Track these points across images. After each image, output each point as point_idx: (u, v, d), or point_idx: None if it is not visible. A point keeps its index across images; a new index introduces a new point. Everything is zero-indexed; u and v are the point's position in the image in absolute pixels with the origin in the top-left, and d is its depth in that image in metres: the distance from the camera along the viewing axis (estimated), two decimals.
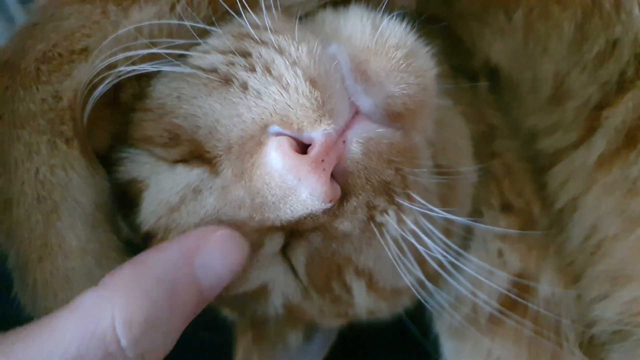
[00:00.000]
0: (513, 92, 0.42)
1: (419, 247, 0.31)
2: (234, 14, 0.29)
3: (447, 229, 0.36)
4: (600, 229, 0.37)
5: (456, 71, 0.43)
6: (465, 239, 0.39)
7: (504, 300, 0.39)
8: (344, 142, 0.27)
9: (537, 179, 0.42)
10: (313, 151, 0.26)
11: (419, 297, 0.38)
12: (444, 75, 0.43)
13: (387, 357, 0.46)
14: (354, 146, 0.27)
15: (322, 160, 0.26)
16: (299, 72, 0.26)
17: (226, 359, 0.46)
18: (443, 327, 0.43)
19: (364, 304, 0.37)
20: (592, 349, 0.37)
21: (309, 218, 0.28)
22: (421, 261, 0.33)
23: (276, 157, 0.25)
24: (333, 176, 0.27)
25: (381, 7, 0.32)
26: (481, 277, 0.38)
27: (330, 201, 0.26)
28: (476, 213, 0.40)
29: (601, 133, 0.38)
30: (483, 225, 0.38)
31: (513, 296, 0.37)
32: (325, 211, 0.27)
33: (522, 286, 0.39)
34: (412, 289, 0.37)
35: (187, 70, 0.29)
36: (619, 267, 0.36)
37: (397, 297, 0.39)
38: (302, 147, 0.26)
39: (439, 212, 0.31)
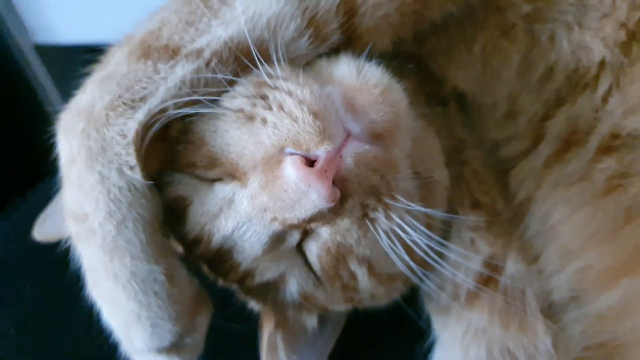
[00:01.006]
0: (477, 112, 0.50)
1: (405, 238, 0.39)
2: (252, 67, 0.37)
3: (429, 223, 0.43)
4: (550, 217, 0.44)
5: (430, 98, 0.51)
6: (444, 231, 0.47)
7: (478, 278, 0.46)
8: (340, 157, 0.34)
9: (500, 180, 0.49)
10: (318, 165, 0.33)
11: (412, 279, 0.46)
12: (420, 103, 0.51)
13: (389, 338, 0.54)
14: (348, 160, 0.35)
15: (325, 171, 0.33)
16: (304, 108, 0.35)
17: (253, 346, 0.53)
18: (432, 308, 0.50)
19: (367, 288, 0.44)
20: (552, 313, 0.44)
21: (317, 215, 0.35)
22: (409, 250, 0.40)
23: (291, 170, 0.33)
24: (334, 183, 0.35)
25: (364, 55, 0.40)
26: (459, 260, 0.46)
27: (333, 201, 0.34)
28: (451, 211, 0.47)
29: (546, 140, 0.45)
30: (457, 217, 0.45)
31: (486, 273, 0.45)
32: (329, 209, 0.35)
33: (492, 266, 0.46)
34: (405, 273, 0.44)
35: (220, 111, 0.37)
36: (566, 247, 0.43)
37: (393, 281, 0.46)
38: (310, 162, 0.34)
39: (419, 208, 0.39)
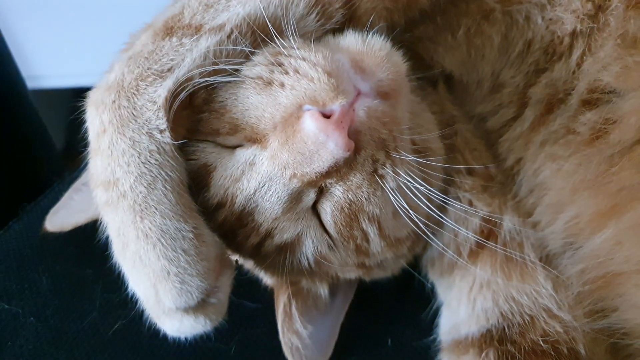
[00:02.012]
0: (464, 90, 0.54)
1: (411, 194, 0.42)
2: (269, 41, 0.41)
3: (431, 183, 0.46)
4: (540, 173, 0.47)
5: (421, 80, 0.55)
6: (445, 192, 0.50)
7: (479, 233, 0.49)
8: (353, 110, 0.37)
9: (490, 148, 0.52)
10: (334, 116, 0.36)
11: (417, 242, 0.48)
12: (413, 84, 0.55)
13: (396, 306, 0.55)
14: (360, 112, 0.38)
15: (341, 122, 0.36)
16: (319, 69, 0.38)
17: (266, 321, 0.54)
18: (435, 273, 0.53)
19: (377, 251, 0.46)
20: (550, 260, 0.47)
21: (334, 168, 0.38)
22: (415, 208, 0.43)
23: (311, 122, 0.36)
24: (348, 135, 0.38)
25: (365, 30, 0.44)
26: (461, 219, 0.48)
27: (349, 150, 0.36)
28: (448, 180, 0.50)
29: (530, 106, 0.50)
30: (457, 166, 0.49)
31: (487, 228, 0.48)
32: (344, 161, 0.38)
33: (491, 222, 0.49)
34: (411, 236, 0.47)
35: (241, 79, 0.40)
36: (557, 198, 0.46)
37: (400, 245, 0.48)
38: (327, 117, 0.37)
39: (422, 160, 0.41)
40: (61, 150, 1.90)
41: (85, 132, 0.42)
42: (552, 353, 0.43)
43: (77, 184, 0.53)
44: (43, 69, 1.49)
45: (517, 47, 0.50)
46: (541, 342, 0.43)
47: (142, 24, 0.45)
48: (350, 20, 0.44)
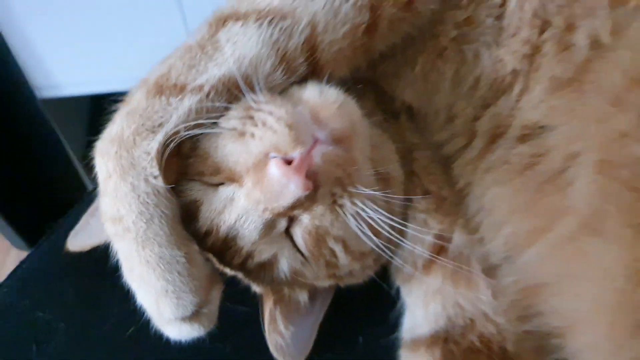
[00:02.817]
0: (423, 120, 0.60)
1: (368, 219, 0.48)
2: (242, 96, 0.47)
3: (390, 208, 0.51)
4: (484, 196, 0.53)
5: (385, 112, 0.61)
6: (403, 214, 0.56)
7: (432, 249, 0.55)
8: (311, 156, 0.44)
9: (445, 172, 0.58)
10: (294, 163, 0.43)
11: (381, 256, 0.55)
12: (377, 116, 0.61)
13: (368, 307, 0.62)
14: (317, 158, 0.44)
15: (300, 167, 0.43)
16: (282, 122, 0.44)
17: (257, 323, 0.60)
18: (399, 279, 0.59)
19: (345, 264, 0.52)
20: (491, 272, 0.53)
21: (297, 203, 0.44)
22: (375, 231, 0.49)
23: (275, 168, 0.43)
24: (307, 177, 0.44)
25: (325, 81, 0.51)
26: (416, 236, 0.55)
27: (307, 189, 0.43)
28: (406, 200, 0.57)
29: (477, 137, 0.55)
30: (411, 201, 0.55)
31: (438, 244, 0.54)
32: (305, 197, 0.44)
33: (442, 238, 0.55)
34: (375, 251, 0.53)
35: (219, 130, 0.47)
36: (498, 218, 0.52)
37: (365, 258, 0.54)
38: (289, 163, 0.44)
39: (375, 193, 0.48)
40: (81, 156, 1.97)
41: (95, 175, 0.50)
42: (485, 351, 0.49)
43: (92, 209, 0.59)
44: (59, 77, 1.54)
45: (467, 82, 0.55)
46: (477, 342, 0.49)
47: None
48: (314, 71, 0.51)
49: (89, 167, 0.53)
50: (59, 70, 1.48)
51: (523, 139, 0.50)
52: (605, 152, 0.43)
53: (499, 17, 0.53)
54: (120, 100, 0.51)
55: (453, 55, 0.55)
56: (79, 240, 0.60)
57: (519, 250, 0.50)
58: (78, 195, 0.89)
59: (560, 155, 0.47)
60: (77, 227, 0.60)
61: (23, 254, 0.99)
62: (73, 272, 0.65)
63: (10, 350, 0.62)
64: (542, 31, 0.50)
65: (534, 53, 0.51)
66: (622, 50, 0.46)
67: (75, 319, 0.64)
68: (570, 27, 0.48)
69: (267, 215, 0.46)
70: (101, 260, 0.56)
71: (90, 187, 1.17)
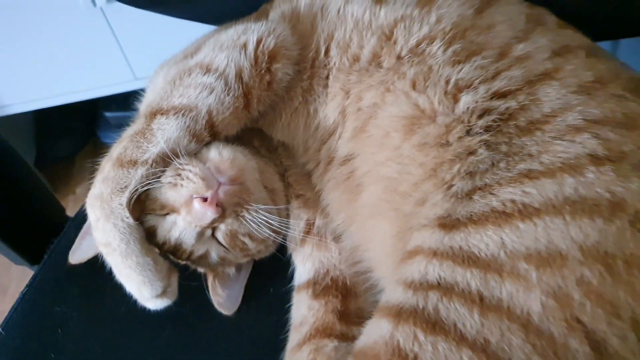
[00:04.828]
0: (291, 150, 0.80)
1: (261, 221, 0.77)
2: (172, 161, 0.73)
3: (279, 212, 0.76)
4: (328, 196, 0.75)
5: (267, 147, 0.87)
6: (286, 211, 0.85)
7: (304, 230, 0.81)
8: (217, 194, 0.71)
9: (308, 182, 0.80)
10: (208, 200, 0.69)
11: (276, 239, 0.84)
12: (263, 150, 0.89)
13: (273, 270, 0.84)
14: (221, 194, 0.69)
15: (211, 201, 0.70)
16: (197, 176, 0.70)
17: (203, 291, 0.80)
18: (290, 250, 0.83)
19: (254, 247, 0.74)
20: (337, 239, 0.83)
21: (214, 220, 0.72)
22: (267, 226, 0.77)
23: (197, 204, 0.69)
24: (217, 205, 0.72)
25: (223, 139, 0.78)
26: (295, 223, 0.85)
27: (217, 213, 0.68)
28: (287, 202, 0.86)
29: (321, 161, 0.76)
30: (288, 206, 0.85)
31: (307, 227, 0.84)
32: (218, 217, 0.72)
33: (309, 223, 0.81)
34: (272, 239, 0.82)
35: (161, 184, 0.72)
36: (336, 208, 0.79)
37: (266, 242, 0.77)
38: (205, 199, 0.71)
39: (261, 206, 0.77)
40: (34, 163, 2.07)
41: (86, 216, 0.76)
42: (334, 286, 0.78)
43: (81, 234, 0.78)
44: (4, 98, 1.64)
45: (312, 128, 0.76)
46: (330, 282, 0.81)
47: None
48: (215, 136, 0.76)
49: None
50: (4, 91, 1.61)
51: (343, 163, 0.73)
52: (380, 171, 0.73)
53: (325, 87, 0.75)
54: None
55: (302, 111, 0.76)
56: (77, 256, 0.78)
57: (347, 227, 0.75)
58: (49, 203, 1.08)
59: (360, 172, 0.70)
60: (73, 247, 0.79)
61: (21, 268, 1.20)
62: (76, 276, 0.83)
63: (42, 335, 0.80)
64: (346, 97, 0.73)
65: (343, 111, 0.72)
66: (389, 106, 0.75)
67: (84, 308, 0.82)
68: (359, 97, 0.71)
69: (198, 229, 0.73)
70: (95, 266, 0.76)
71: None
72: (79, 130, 2.30)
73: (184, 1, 1.11)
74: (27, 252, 1.03)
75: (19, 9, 1.52)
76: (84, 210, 0.73)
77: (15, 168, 1.11)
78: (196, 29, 1.09)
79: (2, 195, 1.03)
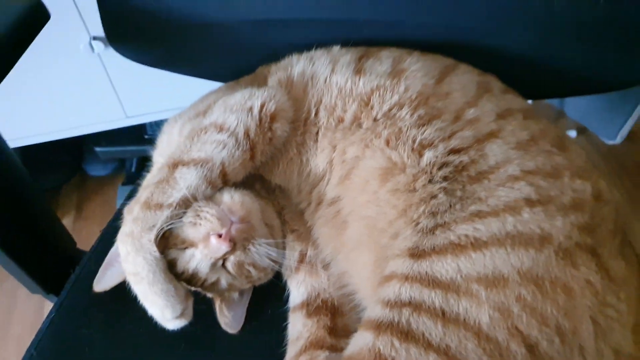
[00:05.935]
0: (288, 192, 0.85)
1: (264, 253, 0.90)
2: (193, 203, 0.86)
3: (277, 243, 0.81)
4: (319, 232, 0.81)
5: (267, 190, 0.95)
6: (283, 244, 0.97)
7: (299, 260, 0.86)
8: (230, 231, 0.76)
9: (301, 219, 0.86)
10: (222, 236, 0.81)
11: (275, 267, 0.97)
12: (263, 192, 1.03)
13: (271, 294, 0.88)
14: (233, 231, 0.76)
15: (226, 238, 0.82)
16: (214, 217, 0.76)
17: (212, 314, 0.86)
18: (287, 277, 0.89)
19: (256, 275, 0.79)
20: (326, 267, 0.93)
21: (225, 253, 0.84)
22: (269, 257, 0.84)
23: (213, 240, 0.78)
24: (230, 240, 0.85)
25: (231, 185, 0.92)
26: (290, 254, 0.98)
27: (229, 247, 0.72)
28: (283, 237, 0.99)
29: (312, 201, 0.82)
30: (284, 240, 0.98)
31: (300, 257, 0.93)
32: (229, 250, 0.81)
33: (302, 254, 0.86)
34: (271, 265, 0.95)
35: (183, 223, 0.79)
36: (324, 241, 0.83)
37: (266, 270, 0.82)
38: (220, 236, 0.83)
39: (264, 240, 0.89)
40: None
41: (103, 249, 0.87)
42: (324, 307, 0.84)
43: (105, 265, 0.82)
44: None
45: (304, 174, 0.83)
46: (320, 303, 0.91)
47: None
48: (225, 182, 0.82)
49: None
50: None
51: (331, 203, 0.80)
52: (361, 211, 0.85)
53: (315, 141, 0.83)
54: None
55: (296, 160, 0.83)
56: (102, 284, 0.82)
57: (334, 257, 0.81)
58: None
59: (345, 212, 0.77)
60: (97, 277, 0.82)
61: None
62: (100, 302, 0.87)
63: (71, 354, 0.85)
64: (333, 151, 0.81)
65: (331, 162, 0.80)
66: (368, 159, 0.89)
67: (107, 331, 0.87)
68: (343, 150, 0.80)
69: (212, 260, 0.78)
70: (117, 293, 0.82)
71: None
72: (66, 163, 2.36)
73: (186, 63, 1.26)
74: (44, 281, 1.12)
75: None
76: (99, 244, 0.85)
77: (35, 202, 1.20)
78: (185, 77, 1.23)
79: (24, 227, 1.12)
